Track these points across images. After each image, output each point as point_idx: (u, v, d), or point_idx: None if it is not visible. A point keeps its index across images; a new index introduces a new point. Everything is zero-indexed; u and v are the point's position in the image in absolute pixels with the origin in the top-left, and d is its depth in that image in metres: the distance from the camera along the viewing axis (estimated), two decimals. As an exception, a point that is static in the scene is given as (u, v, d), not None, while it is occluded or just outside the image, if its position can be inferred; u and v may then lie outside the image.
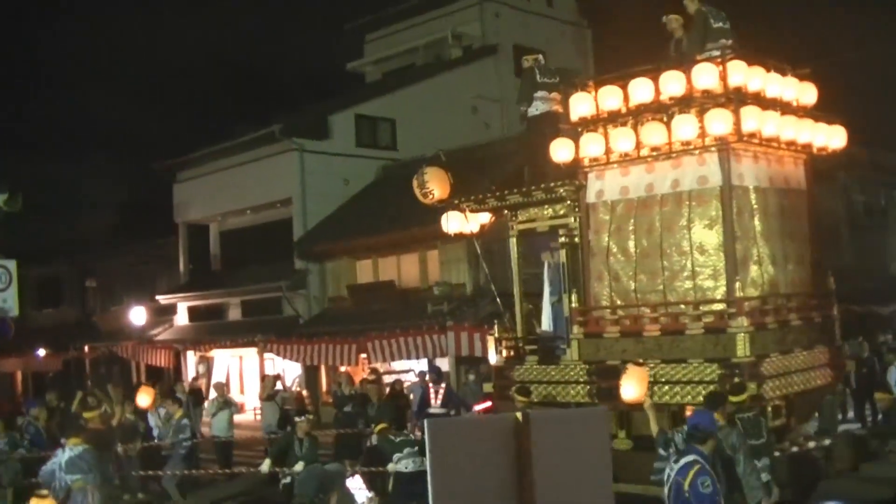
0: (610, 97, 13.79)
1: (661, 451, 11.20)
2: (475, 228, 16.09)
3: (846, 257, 36.07)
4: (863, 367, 22.45)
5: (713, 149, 13.04)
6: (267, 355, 32.91)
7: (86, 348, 40.86)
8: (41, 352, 40.21)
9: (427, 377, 22.41)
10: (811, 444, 13.71)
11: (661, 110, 13.42)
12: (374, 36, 45.51)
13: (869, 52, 35.18)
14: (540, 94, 15.33)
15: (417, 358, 27.57)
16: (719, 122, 12.71)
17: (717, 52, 13.46)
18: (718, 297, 13.12)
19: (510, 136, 29.49)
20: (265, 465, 15.70)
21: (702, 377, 12.83)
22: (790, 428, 13.71)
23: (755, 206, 13.55)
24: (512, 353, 15.31)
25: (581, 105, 14.04)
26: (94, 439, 15.58)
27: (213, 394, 24.48)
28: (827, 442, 14.16)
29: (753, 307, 13.05)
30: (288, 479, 15.43)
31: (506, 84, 38.09)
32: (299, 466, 15.18)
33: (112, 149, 49.14)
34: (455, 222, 16.09)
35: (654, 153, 13.45)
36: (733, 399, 11.67)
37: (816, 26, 40.78)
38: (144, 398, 18.45)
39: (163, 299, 40.20)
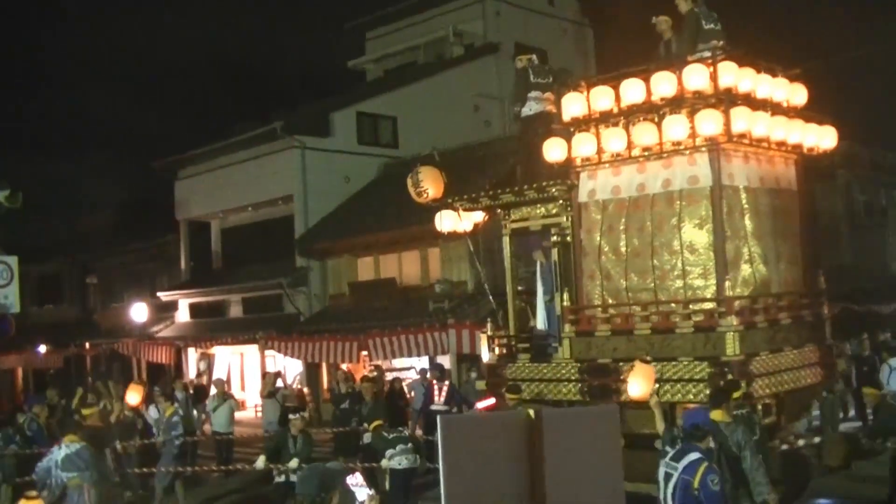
0: (602, 97, 13.86)
1: (668, 449, 11.26)
2: (469, 227, 16.20)
3: (846, 256, 36.16)
4: (864, 366, 22.50)
5: (703, 149, 13.09)
6: (268, 352, 33.03)
7: (86, 345, 40.99)
8: (42, 349, 40.33)
9: (428, 375, 22.53)
10: (801, 443, 13.80)
11: (652, 111, 13.48)
12: (376, 34, 45.63)
13: (870, 52, 35.20)
14: (533, 94, 15.39)
15: (419, 356, 27.69)
16: (709, 122, 12.78)
17: (707, 54, 13.54)
18: (708, 295, 13.19)
19: (511, 134, 29.58)
20: (260, 462, 15.80)
21: (692, 375, 12.88)
22: (781, 426, 13.78)
23: (746, 206, 13.61)
24: (504, 351, 15.41)
25: (573, 105, 14.12)
26: (92, 436, 15.75)
27: (213, 391, 24.57)
28: (817, 440, 14.26)
29: (743, 306, 13.12)
30: (283, 477, 15.54)
31: (507, 82, 38.05)
32: (293, 463, 15.30)
33: (113, 146, 49.34)
34: (449, 221, 16.20)
35: (646, 153, 13.50)
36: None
37: (817, 26, 40.81)
38: (134, 395, 18.54)
39: (164, 296, 40.32)
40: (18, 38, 68.92)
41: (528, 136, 15.38)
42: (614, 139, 13.63)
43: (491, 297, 16.41)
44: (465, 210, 15.86)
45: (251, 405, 33.97)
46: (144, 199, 44.39)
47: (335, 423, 20.28)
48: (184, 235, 40.78)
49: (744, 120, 12.96)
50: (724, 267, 13.03)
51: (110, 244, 44.93)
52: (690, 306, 13.26)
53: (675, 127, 13.08)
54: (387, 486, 15.57)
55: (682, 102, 13.26)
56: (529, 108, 15.45)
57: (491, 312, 16.08)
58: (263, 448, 16.47)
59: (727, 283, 12.83)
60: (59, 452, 12.49)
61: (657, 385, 12.54)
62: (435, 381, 21.81)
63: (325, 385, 32.48)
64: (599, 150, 13.85)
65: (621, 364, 13.56)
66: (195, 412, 23.46)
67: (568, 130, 14.23)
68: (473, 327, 25.39)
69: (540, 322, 15.36)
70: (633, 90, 13.62)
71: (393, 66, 44.28)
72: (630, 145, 13.56)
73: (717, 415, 11.32)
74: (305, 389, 30.94)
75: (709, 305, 13.16)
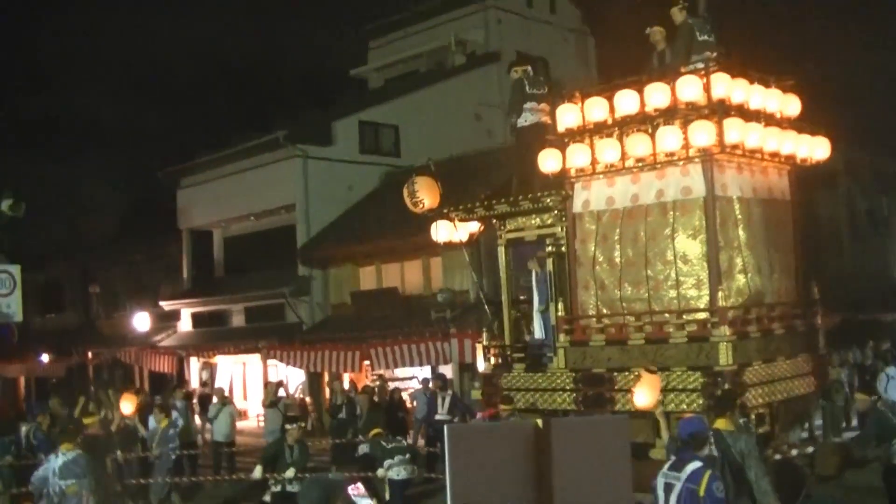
0: (596, 108, 13.94)
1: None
2: (464, 237, 16.29)
3: (848, 264, 36.23)
4: (866, 375, 22.54)
5: (697, 160, 13.17)
6: (270, 362, 33.06)
7: (89, 354, 41.04)
8: (45, 357, 40.37)
9: (431, 384, 22.58)
10: (794, 452, 13.84)
11: (645, 121, 13.56)
12: (378, 43, 45.67)
13: (872, 61, 35.31)
14: (529, 105, 15.48)
15: (421, 365, 27.70)
16: (702, 133, 12.85)
17: (701, 65, 13.63)
18: (702, 306, 13.27)
19: (513, 143, 29.64)
20: (257, 472, 15.81)
21: (685, 385, 12.96)
22: (774, 436, 13.83)
23: (739, 217, 13.69)
24: (500, 360, 15.49)
25: (568, 116, 14.21)
26: (92, 444, 15.82)
27: (214, 399, 24.67)
28: (810, 450, 14.31)
29: (736, 316, 13.21)
30: (279, 487, 15.58)
31: (509, 91, 38.12)
32: (290, 473, 15.36)
33: (115, 154, 49.28)
34: (444, 231, 16.29)
35: (640, 164, 13.59)
36: None
37: (820, 36, 40.91)
38: (127, 405, 18.58)
39: (166, 305, 40.37)
40: (22, 45, 69.09)
41: (523, 147, 15.45)
42: (608, 150, 13.72)
43: (487, 307, 16.47)
44: (460, 220, 15.95)
45: (253, 415, 34.03)
46: (147, 206, 44.43)
47: (332, 433, 20.36)
48: (186, 244, 40.79)
49: (737, 131, 13.04)
50: (717, 277, 13.11)
51: (113, 252, 45.01)
52: (684, 316, 13.35)
53: (669, 138, 13.15)
54: (386, 496, 15.63)
55: (675, 113, 13.33)
56: (525, 119, 15.53)
57: (488, 322, 16.12)
58: (260, 457, 16.45)
59: (720, 294, 12.91)
60: (57, 461, 12.53)
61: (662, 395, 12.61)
62: (438, 391, 21.86)
63: (328, 394, 32.48)
64: (594, 161, 13.92)
65: (615, 373, 13.67)
66: (198, 421, 23.55)
67: (563, 141, 14.31)
68: (476, 337, 25.38)
69: (537, 331, 15.44)
70: (626, 101, 13.69)
71: (395, 75, 44.33)
72: (624, 156, 13.64)
73: (721, 423, 11.33)
74: (307, 399, 30.99)
75: (702, 315, 13.25)
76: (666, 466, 10.35)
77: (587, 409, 13.77)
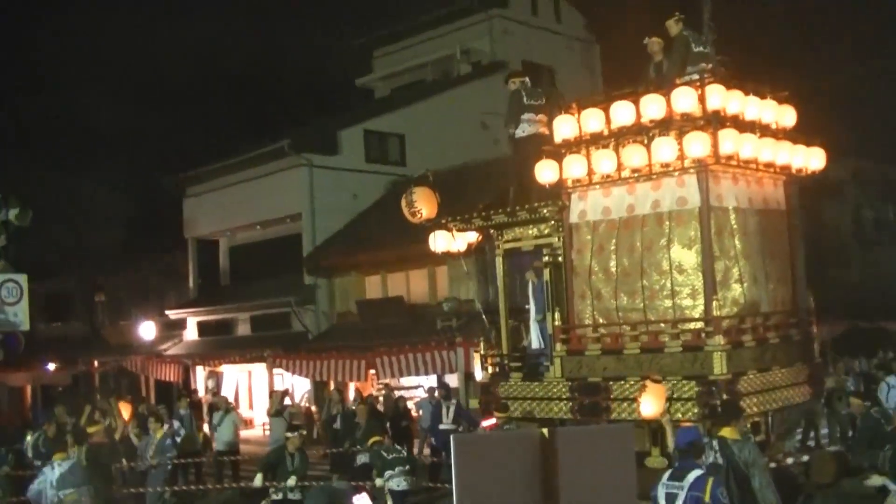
0: (592, 119, 14.04)
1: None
2: (462, 247, 16.39)
3: (855, 273, 36.24)
4: (871, 384, 22.57)
5: (692, 170, 13.26)
6: (276, 370, 33.15)
7: (94, 362, 41.13)
8: (50, 366, 40.43)
9: (437, 393, 22.64)
10: (790, 460, 13.90)
11: (641, 133, 13.64)
12: (383, 52, 45.91)
13: (880, 69, 35.33)
14: (526, 116, 15.56)
15: (426, 374, 27.74)
16: (697, 144, 12.94)
17: (696, 76, 13.73)
18: (697, 315, 13.34)
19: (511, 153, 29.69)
20: (257, 480, 15.83)
21: (680, 394, 13.02)
22: (770, 444, 13.89)
23: (735, 226, 13.75)
24: (497, 369, 15.58)
25: (564, 127, 14.32)
26: (96, 452, 15.94)
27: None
28: (805, 458, 14.34)
29: (731, 325, 13.29)
30: (279, 495, 15.63)
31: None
32: (292, 481, 15.41)
33: (121, 163, 49.39)
34: (442, 241, 16.39)
35: (635, 175, 13.68)
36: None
37: (828, 45, 40.95)
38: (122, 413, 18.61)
39: (172, 314, 40.51)
40: (27, 56, 69.31)
41: (520, 158, 15.55)
42: (604, 161, 13.81)
43: (484, 316, 16.56)
44: (458, 230, 16.06)
45: (259, 423, 34.10)
46: (153, 215, 44.59)
47: (327, 443, 20.41)
48: (192, 253, 40.91)
49: (731, 142, 13.11)
50: (712, 287, 13.18)
51: (119, 261, 45.17)
52: (679, 326, 13.43)
53: (664, 149, 13.23)
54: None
55: (670, 124, 13.41)
56: (522, 130, 15.61)
57: (485, 331, 16.21)
58: (259, 465, 16.49)
59: (715, 303, 12.97)
60: (53, 473, 12.57)
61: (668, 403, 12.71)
62: (442, 400, 21.91)
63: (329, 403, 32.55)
64: (590, 172, 14.02)
65: (611, 383, 13.76)
66: (207, 429, 23.62)
67: (559, 152, 14.40)
68: (483, 346, 25.47)
69: (534, 341, 15.53)
70: (622, 112, 13.77)
71: (400, 84, 44.52)
72: (620, 167, 13.74)
73: (727, 432, 11.41)
74: (313, 408, 31.03)
75: (697, 325, 13.32)
76: (665, 476, 10.42)
77: (583, 418, 13.86)
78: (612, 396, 13.71)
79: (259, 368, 35.30)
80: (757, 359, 13.62)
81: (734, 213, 13.78)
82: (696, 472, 10.00)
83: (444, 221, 15.93)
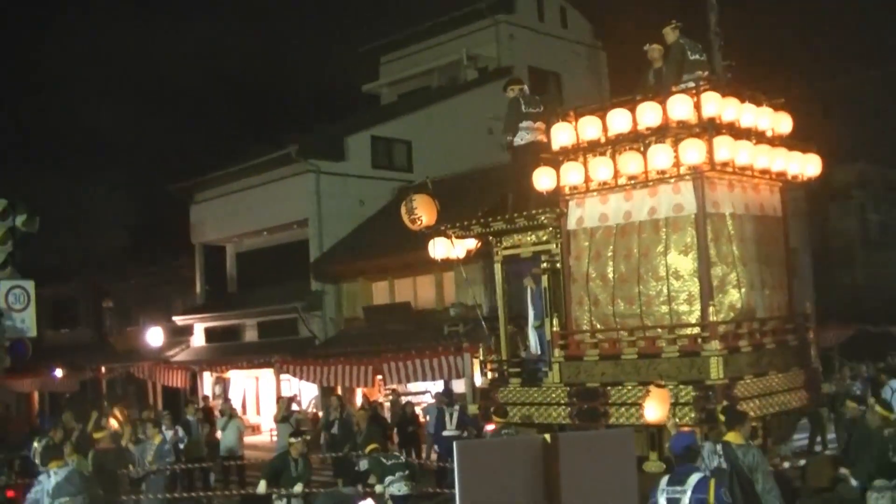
0: (589, 127, 14.17)
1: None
2: (461, 254, 16.52)
3: (861, 277, 36.27)
4: (877, 388, 22.53)
5: (688, 177, 13.38)
6: (283, 376, 33.15)
7: (102, 369, 41.20)
8: (58, 372, 40.48)
9: (440, 399, 22.70)
10: (786, 465, 14.00)
11: (637, 140, 13.78)
12: (390, 58, 45.96)
13: (886, 74, 35.31)
14: (524, 123, 15.69)
15: (433, 380, 27.72)
16: (693, 151, 13.08)
17: (692, 84, 13.84)
18: (693, 321, 13.45)
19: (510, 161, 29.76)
20: (261, 486, 15.81)
21: (677, 399, 13.10)
22: (767, 449, 13.96)
23: (732, 232, 13.86)
24: (496, 375, 15.69)
25: (562, 135, 14.45)
26: (103, 458, 16.01)
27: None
28: (802, 462, 14.45)
29: (727, 331, 13.40)
30: (283, 501, 15.66)
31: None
32: (298, 488, 15.41)
33: (129, 169, 49.64)
34: (442, 248, 16.52)
35: (632, 182, 13.82)
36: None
37: (834, 50, 40.97)
38: (114, 422, 18.66)
39: (179, 320, 40.59)
40: (35, 62, 69.61)
41: (519, 165, 15.67)
42: (601, 168, 13.95)
43: (483, 322, 16.68)
44: (457, 237, 16.19)
45: (266, 429, 34.19)
46: (160, 221, 44.70)
47: (327, 449, 20.47)
48: (199, 259, 40.98)
49: (727, 149, 13.25)
50: (708, 293, 13.29)
51: (126, 267, 45.34)
52: (676, 331, 13.54)
53: (660, 156, 13.36)
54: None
55: (666, 132, 13.53)
56: (521, 138, 15.73)
57: (484, 337, 16.33)
58: (263, 472, 16.54)
59: (711, 309, 13.08)
60: (49, 482, 12.45)
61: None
62: (445, 407, 21.96)
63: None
64: (587, 179, 14.17)
65: (609, 388, 13.88)
66: (218, 434, 23.70)
67: (557, 159, 14.53)
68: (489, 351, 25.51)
69: (533, 346, 15.64)
70: (619, 120, 13.92)
71: (407, 90, 44.59)
72: (617, 174, 13.89)
73: (731, 436, 11.50)
74: (320, 413, 31.08)
75: (693, 330, 13.43)
76: (664, 482, 10.48)
77: (582, 423, 13.98)
78: (610, 401, 13.84)
79: (266, 374, 35.34)
80: (753, 364, 13.74)
81: (730, 219, 13.89)
82: (695, 476, 10.06)
83: (443, 228, 16.07)
